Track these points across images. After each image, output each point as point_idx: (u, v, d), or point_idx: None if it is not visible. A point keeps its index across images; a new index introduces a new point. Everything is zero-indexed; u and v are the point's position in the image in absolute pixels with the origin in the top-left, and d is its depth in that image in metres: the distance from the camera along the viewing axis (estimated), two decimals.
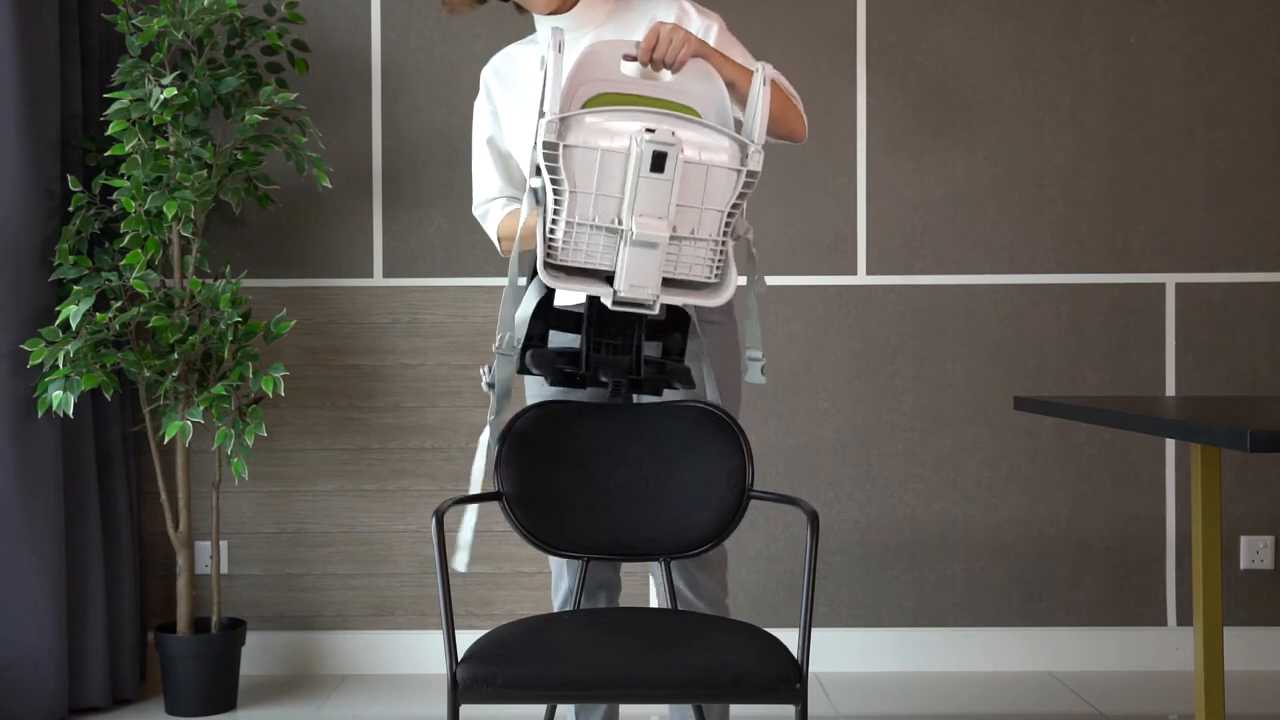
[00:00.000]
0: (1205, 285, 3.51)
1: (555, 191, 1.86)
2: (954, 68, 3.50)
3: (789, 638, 1.95)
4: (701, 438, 2.09)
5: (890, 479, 3.51)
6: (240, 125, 3.05)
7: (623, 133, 1.85)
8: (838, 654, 3.49)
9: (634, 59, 1.98)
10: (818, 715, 3.10)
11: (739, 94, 2.02)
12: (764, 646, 1.83)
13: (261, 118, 3.04)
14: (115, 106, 2.95)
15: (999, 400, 3.50)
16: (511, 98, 2.23)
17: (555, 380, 2.02)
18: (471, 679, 1.75)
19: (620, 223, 1.87)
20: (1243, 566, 3.50)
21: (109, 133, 2.99)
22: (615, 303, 1.90)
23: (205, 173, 3.02)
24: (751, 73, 2.03)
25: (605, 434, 2.11)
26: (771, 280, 3.48)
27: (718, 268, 1.94)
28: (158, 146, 3.00)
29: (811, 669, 3.46)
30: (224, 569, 3.46)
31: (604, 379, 2.02)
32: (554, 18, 2.18)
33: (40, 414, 2.96)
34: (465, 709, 1.84)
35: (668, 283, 1.92)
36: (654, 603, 3.26)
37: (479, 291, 3.47)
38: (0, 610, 2.95)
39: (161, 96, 2.91)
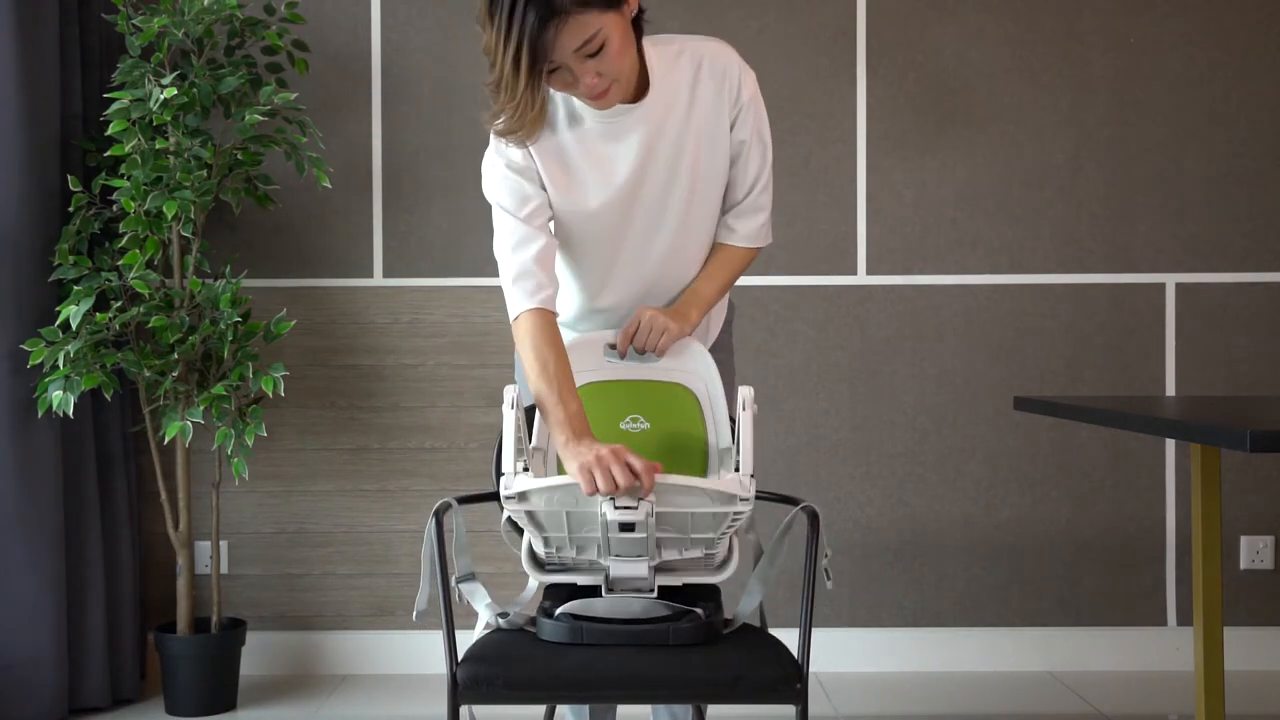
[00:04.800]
0: (1205, 285, 3.51)
1: (532, 527, 1.84)
2: (954, 68, 3.50)
3: (789, 638, 1.95)
4: None
5: (890, 479, 3.51)
6: (240, 125, 3.05)
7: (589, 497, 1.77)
8: (838, 654, 3.49)
9: (615, 346, 2.02)
10: (818, 715, 3.10)
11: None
12: (764, 646, 1.83)
13: (261, 118, 3.04)
14: (115, 106, 2.95)
15: (999, 400, 3.50)
16: (549, 145, 2.01)
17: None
18: (472, 679, 1.75)
19: (599, 554, 1.82)
20: (1243, 566, 3.50)
21: (109, 133, 2.99)
22: (610, 588, 1.84)
23: (205, 173, 3.02)
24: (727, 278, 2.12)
25: None
26: (771, 280, 3.48)
27: (721, 556, 1.89)
28: (158, 146, 3.00)
29: (811, 669, 3.46)
30: (224, 569, 3.46)
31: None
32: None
33: (40, 414, 2.96)
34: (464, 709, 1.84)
35: (664, 568, 1.87)
36: None
37: (479, 291, 3.47)
38: (0, 610, 2.95)
39: (161, 96, 2.91)
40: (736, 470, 1.87)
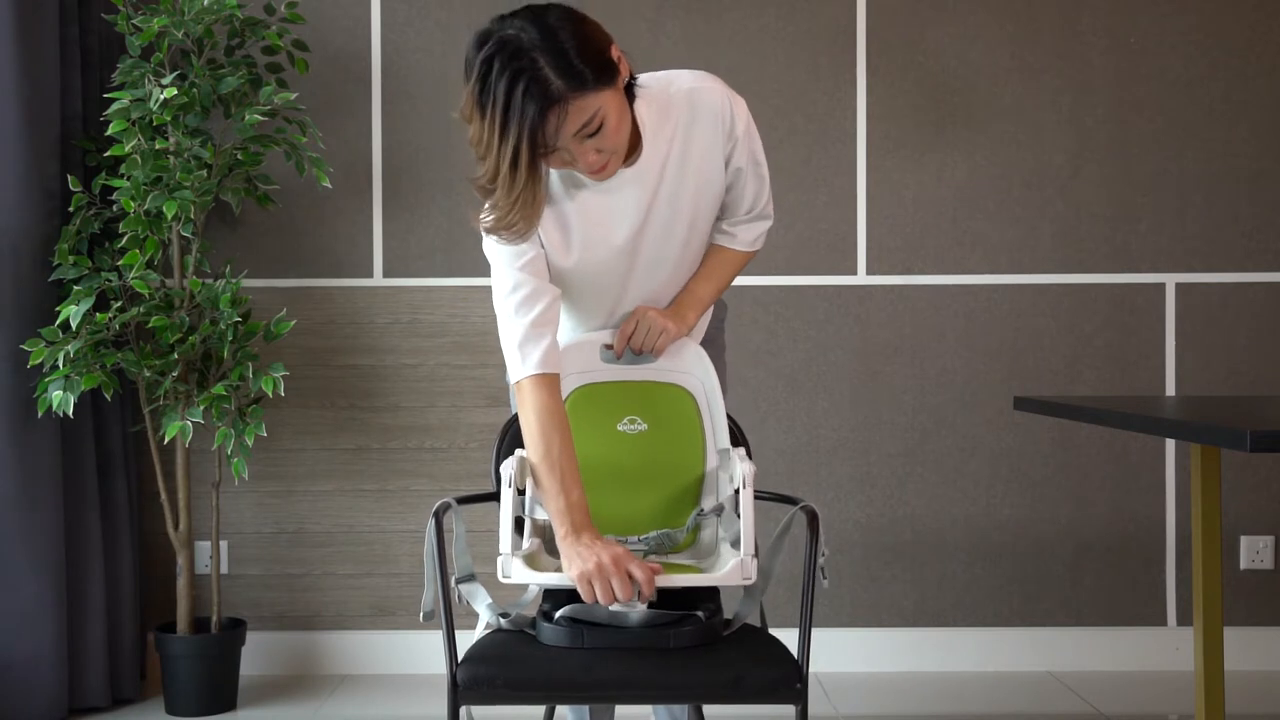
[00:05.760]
0: (1205, 285, 3.51)
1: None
2: (954, 68, 3.50)
3: (789, 638, 1.95)
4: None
5: (890, 479, 3.51)
6: (240, 125, 3.05)
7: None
8: (838, 654, 3.49)
9: (612, 347, 2.03)
10: (818, 715, 3.10)
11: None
12: (764, 646, 1.83)
13: (261, 118, 3.04)
14: (115, 106, 2.94)
15: (999, 400, 3.50)
16: (556, 212, 1.97)
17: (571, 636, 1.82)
18: (472, 679, 1.75)
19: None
20: (1243, 566, 3.50)
21: (109, 133, 2.99)
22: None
23: (205, 173, 3.02)
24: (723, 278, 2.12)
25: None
26: (771, 280, 3.48)
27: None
28: (158, 146, 3.00)
29: (811, 669, 3.46)
30: (224, 569, 3.46)
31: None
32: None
33: (40, 414, 2.96)
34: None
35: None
36: None
37: (479, 291, 3.47)
38: (0, 610, 2.95)
39: (161, 96, 2.91)
40: (737, 474, 1.88)
